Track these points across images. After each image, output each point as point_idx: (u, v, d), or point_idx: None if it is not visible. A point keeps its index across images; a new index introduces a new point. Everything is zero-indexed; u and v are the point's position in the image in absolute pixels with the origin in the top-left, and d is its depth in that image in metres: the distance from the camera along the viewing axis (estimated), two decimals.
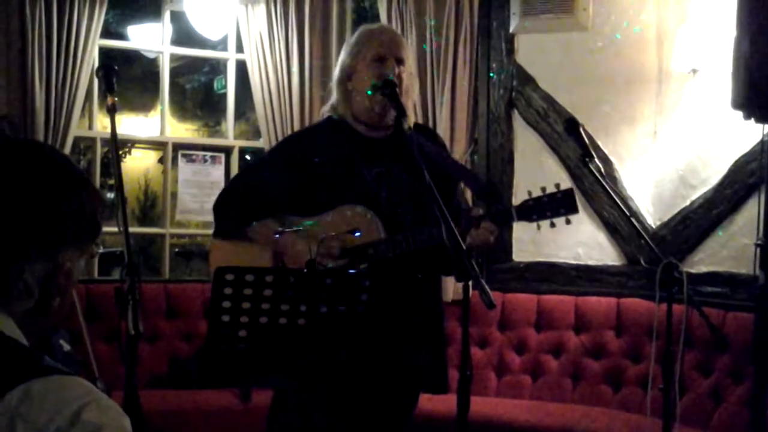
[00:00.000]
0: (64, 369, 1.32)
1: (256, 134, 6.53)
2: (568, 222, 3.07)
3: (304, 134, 3.68)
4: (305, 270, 2.72)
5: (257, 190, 3.25)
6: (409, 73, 3.23)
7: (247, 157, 6.40)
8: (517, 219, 3.08)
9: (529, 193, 3.10)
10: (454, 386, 2.68)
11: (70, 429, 1.24)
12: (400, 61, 3.19)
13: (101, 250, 1.68)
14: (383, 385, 3.17)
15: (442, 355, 3.31)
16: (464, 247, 2.62)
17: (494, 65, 5.73)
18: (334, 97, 3.31)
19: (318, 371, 2.94)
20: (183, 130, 11.35)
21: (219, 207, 3.34)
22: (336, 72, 3.31)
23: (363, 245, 3.08)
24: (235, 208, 3.28)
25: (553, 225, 3.07)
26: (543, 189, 3.07)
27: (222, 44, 6.42)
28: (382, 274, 3.01)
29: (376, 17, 5.87)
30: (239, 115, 7.36)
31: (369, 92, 3.13)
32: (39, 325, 1.46)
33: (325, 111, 3.38)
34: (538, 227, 3.10)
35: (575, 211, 3.07)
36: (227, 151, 6.31)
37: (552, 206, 3.05)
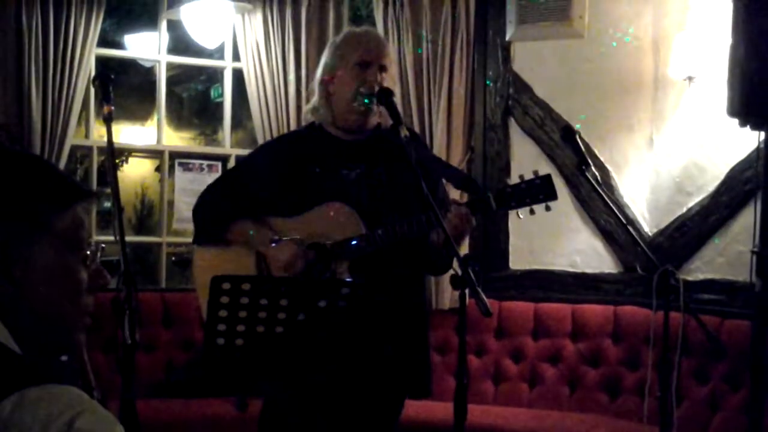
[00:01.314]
0: (58, 377, 1.31)
1: (253, 143, 6.52)
2: (547, 209, 3.06)
3: (282, 140, 3.70)
4: (301, 278, 2.72)
5: (236, 194, 3.25)
6: (391, 79, 3.23)
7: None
8: (496, 207, 3.06)
9: (507, 181, 3.09)
10: (450, 394, 2.68)
11: None
12: (383, 68, 3.19)
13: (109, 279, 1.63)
14: (370, 390, 3.17)
15: (425, 359, 3.31)
16: (460, 254, 2.62)
17: (490, 73, 5.73)
18: (314, 99, 3.30)
19: (315, 379, 2.94)
20: (179, 139, 11.34)
21: (198, 212, 3.33)
22: (318, 72, 3.29)
23: (344, 241, 3.09)
24: (214, 212, 3.28)
25: (532, 212, 3.07)
26: (521, 177, 3.06)
27: (219, 53, 6.42)
28: (364, 274, 3.02)
29: (372, 25, 5.87)
30: (236, 123, 7.34)
31: (366, 101, 3.13)
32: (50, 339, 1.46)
33: (307, 111, 3.38)
34: (519, 216, 3.08)
35: (554, 197, 3.06)
36: (224, 159, 6.31)
37: (531, 193, 3.04)
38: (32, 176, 1.45)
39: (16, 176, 1.43)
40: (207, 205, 3.31)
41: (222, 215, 3.23)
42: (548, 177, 3.06)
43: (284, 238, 3.14)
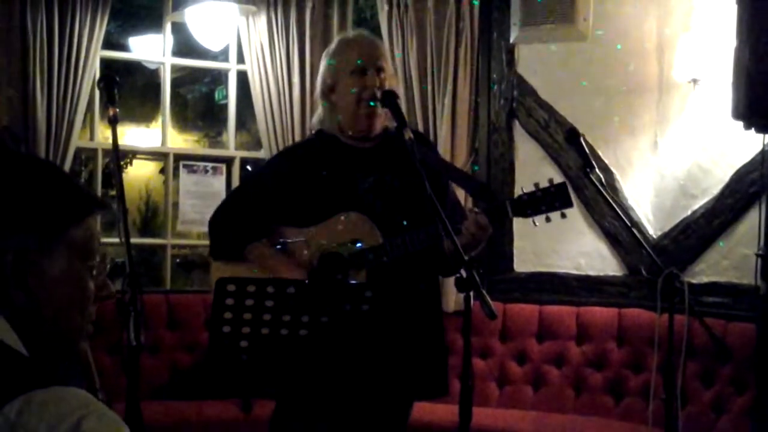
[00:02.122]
0: (64, 380, 1.31)
1: (257, 145, 6.53)
2: (563, 216, 3.07)
3: (295, 149, 3.68)
4: (307, 281, 2.72)
5: (251, 209, 3.25)
6: (390, 78, 3.24)
7: (248, 167, 6.40)
8: (512, 214, 3.08)
9: (522, 189, 3.10)
10: (455, 397, 2.68)
11: None
12: (379, 70, 3.20)
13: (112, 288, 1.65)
14: (379, 394, 3.17)
15: (442, 360, 3.31)
16: (466, 258, 2.62)
17: (495, 75, 5.73)
18: (319, 110, 3.32)
19: (319, 381, 2.94)
20: (184, 141, 11.32)
21: (214, 227, 3.33)
22: (318, 85, 3.31)
23: (361, 251, 3.09)
24: (230, 228, 3.27)
25: (548, 219, 3.08)
26: (536, 185, 3.07)
27: (223, 55, 6.42)
28: (381, 282, 3.02)
29: (376, 27, 5.87)
30: (240, 125, 7.35)
31: (372, 104, 3.14)
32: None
33: (313, 125, 3.39)
34: (534, 223, 3.09)
35: (570, 204, 3.08)
36: (228, 161, 6.31)
37: (546, 201, 3.06)
38: (51, 187, 1.46)
39: (35, 187, 1.44)
40: (222, 220, 3.31)
41: (238, 233, 3.23)
42: (563, 185, 3.08)
43: (288, 241, 3.14)
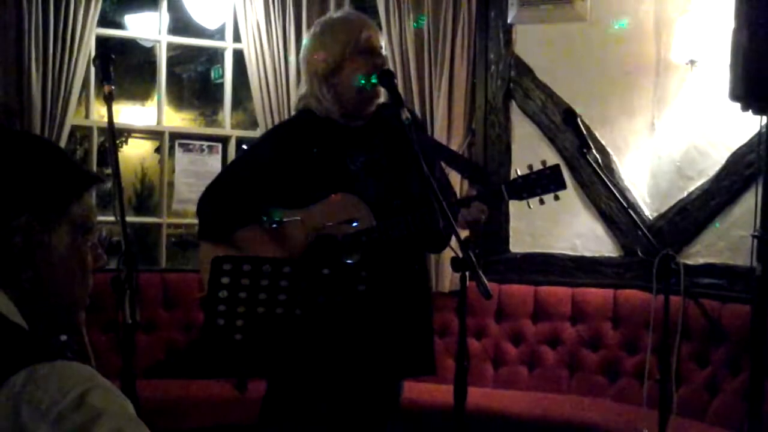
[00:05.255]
0: (67, 355, 1.32)
1: (253, 124, 6.52)
2: (556, 198, 3.08)
3: (283, 128, 3.59)
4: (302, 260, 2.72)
5: (241, 189, 3.22)
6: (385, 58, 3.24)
7: (244, 146, 6.39)
8: (508, 197, 3.09)
9: (516, 171, 3.11)
10: (451, 377, 2.68)
11: (74, 412, 1.25)
12: (381, 48, 3.19)
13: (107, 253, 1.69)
14: (370, 372, 3.18)
15: (429, 339, 3.32)
16: (461, 238, 2.62)
17: (492, 56, 5.72)
18: (305, 90, 3.24)
19: (314, 360, 2.95)
20: (180, 120, 11.32)
21: (203, 208, 3.28)
22: (316, 67, 3.18)
23: (355, 233, 3.08)
24: (219, 209, 3.24)
25: (542, 202, 3.08)
26: (530, 167, 3.08)
27: (219, 33, 6.40)
28: (376, 262, 3.02)
29: (373, 7, 5.85)
30: (236, 104, 7.33)
31: (374, 81, 3.08)
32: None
33: (299, 102, 3.30)
34: (529, 206, 3.10)
35: (563, 186, 3.09)
36: (224, 140, 6.30)
37: (541, 183, 3.07)
38: (51, 164, 1.49)
39: (36, 165, 1.47)
40: (212, 202, 3.27)
41: (227, 214, 3.20)
42: (557, 167, 3.09)
43: (284, 220, 3.13)
